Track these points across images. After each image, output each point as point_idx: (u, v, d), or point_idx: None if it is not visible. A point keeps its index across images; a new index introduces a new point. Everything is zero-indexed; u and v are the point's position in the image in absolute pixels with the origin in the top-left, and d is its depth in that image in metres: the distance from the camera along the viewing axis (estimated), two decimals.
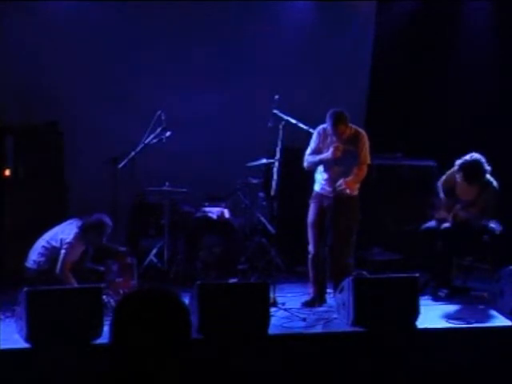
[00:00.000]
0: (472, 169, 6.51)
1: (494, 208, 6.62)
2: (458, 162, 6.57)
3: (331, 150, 6.21)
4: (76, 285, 6.12)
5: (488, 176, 6.61)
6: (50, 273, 6.24)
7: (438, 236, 6.69)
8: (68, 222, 6.54)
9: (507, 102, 8.32)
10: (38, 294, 5.23)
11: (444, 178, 6.83)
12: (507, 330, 5.76)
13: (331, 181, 6.32)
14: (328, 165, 6.31)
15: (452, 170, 6.72)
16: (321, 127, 6.37)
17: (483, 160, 6.53)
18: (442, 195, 6.81)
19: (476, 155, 6.54)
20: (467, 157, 6.55)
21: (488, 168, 6.55)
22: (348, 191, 6.26)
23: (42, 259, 6.33)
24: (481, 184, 6.60)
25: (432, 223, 6.82)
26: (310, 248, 6.42)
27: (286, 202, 6.85)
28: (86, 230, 6.36)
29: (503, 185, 6.90)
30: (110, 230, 6.46)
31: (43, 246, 6.37)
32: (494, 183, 6.63)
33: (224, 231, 7.60)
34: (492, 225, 6.64)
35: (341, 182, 6.20)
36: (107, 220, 6.45)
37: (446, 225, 6.69)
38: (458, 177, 6.59)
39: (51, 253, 6.32)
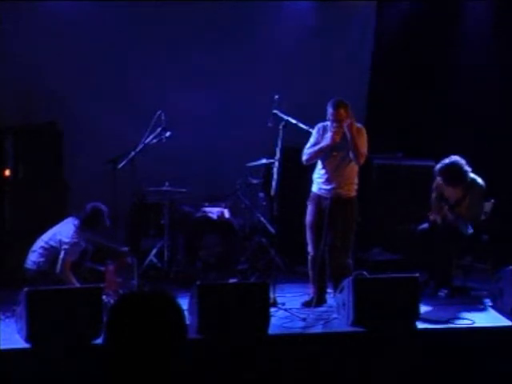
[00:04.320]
0: (450, 172, 6.55)
1: (479, 206, 6.63)
2: (437, 166, 6.62)
3: (330, 134, 6.22)
4: (77, 284, 6.13)
5: (472, 175, 6.62)
6: (50, 273, 6.24)
7: (435, 236, 6.69)
8: (65, 221, 6.54)
9: (508, 102, 8.32)
10: (38, 293, 5.23)
11: (434, 184, 6.85)
12: (507, 329, 5.76)
13: (329, 176, 6.31)
14: (326, 155, 6.30)
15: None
16: (320, 124, 6.38)
17: (462, 162, 6.54)
18: (433, 198, 6.85)
19: (454, 158, 6.57)
20: (446, 160, 6.58)
21: (468, 169, 6.56)
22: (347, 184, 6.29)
23: (42, 260, 6.34)
24: (465, 184, 6.62)
25: (425, 225, 6.82)
26: (310, 249, 6.42)
27: (286, 202, 6.85)
28: (86, 223, 6.38)
29: (503, 186, 6.92)
30: (107, 212, 6.48)
31: (42, 247, 6.37)
32: (478, 181, 6.64)
33: (224, 231, 7.61)
34: (464, 227, 6.63)
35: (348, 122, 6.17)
36: (98, 205, 6.48)
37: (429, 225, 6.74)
38: (439, 181, 6.66)
39: (50, 253, 6.33)
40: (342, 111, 6.17)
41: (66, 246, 6.27)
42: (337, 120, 6.18)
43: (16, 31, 7.85)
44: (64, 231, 6.38)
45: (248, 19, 8.52)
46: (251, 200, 7.82)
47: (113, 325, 2.09)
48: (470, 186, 6.62)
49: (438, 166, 6.62)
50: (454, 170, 6.54)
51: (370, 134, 6.40)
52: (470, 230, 6.58)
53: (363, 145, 6.28)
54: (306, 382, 5.19)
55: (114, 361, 2.06)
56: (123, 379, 2.04)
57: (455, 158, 6.57)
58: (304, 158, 6.37)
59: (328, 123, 6.29)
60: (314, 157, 6.35)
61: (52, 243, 6.35)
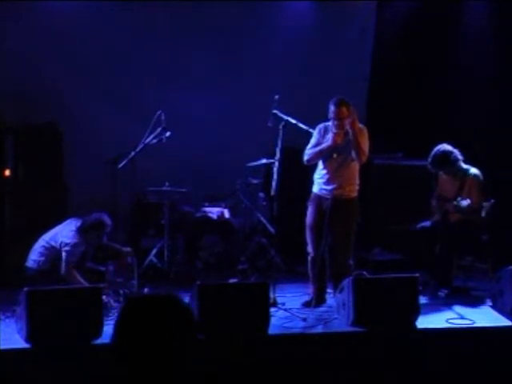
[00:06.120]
0: (439, 157, 6.68)
1: (478, 193, 6.64)
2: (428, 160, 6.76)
3: (331, 135, 6.22)
4: (85, 283, 6.11)
5: (465, 165, 6.71)
6: (51, 272, 6.25)
7: (436, 236, 6.70)
8: (67, 222, 6.53)
9: (508, 102, 8.32)
10: (38, 293, 5.23)
11: (436, 189, 6.91)
12: (507, 329, 5.76)
13: (330, 176, 6.31)
14: (327, 156, 6.30)
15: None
16: (322, 124, 6.38)
17: (447, 146, 6.70)
18: (434, 200, 6.89)
19: (439, 145, 6.73)
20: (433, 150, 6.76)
21: (458, 155, 6.67)
22: (347, 193, 6.29)
23: (42, 259, 6.34)
24: (459, 175, 6.69)
25: (426, 223, 6.84)
26: (310, 249, 6.41)
27: (286, 202, 6.85)
28: (85, 231, 6.36)
29: (503, 186, 6.91)
30: (109, 229, 6.46)
31: (43, 246, 6.37)
32: (472, 170, 6.69)
33: (224, 231, 7.61)
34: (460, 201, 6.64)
35: (350, 119, 6.17)
36: (107, 219, 6.45)
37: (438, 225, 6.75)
38: (431, 169, 6.76)
39: (51, 253, 6.33)
40: (343, 109, 6.17)
41: (67, 248, 6.27)
42: (338, 118, 6.18)
43: (16, 31, 7.85)
44: (65, 232, 6.37)
45: (248, 19, 8.51)
46: (251, 200, 7.82)
47: (124, 327, 2.09)
48: (464, 175, 6.67)
49: (429, 160, 6.75)
50: (441, 154, 6.67)
51: (369, 134, 6.39)
52: (467, 202, 6.55)
53: (365, 144, 6.28)
54: (306, 382, 5.19)
55: (124, 362, 2.06)
56: (132, 380, 2.04)
57: (438, 145, 6.75)
58: (305, 158, 6.37)
59: (329, 123, 6.29)
60: (315, 157, 6.35)
61: (52, 243, 6.35)
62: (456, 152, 6.70)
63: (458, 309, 6.23)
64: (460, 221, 6.66)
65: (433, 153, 6.73)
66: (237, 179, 7.69)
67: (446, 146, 6.72)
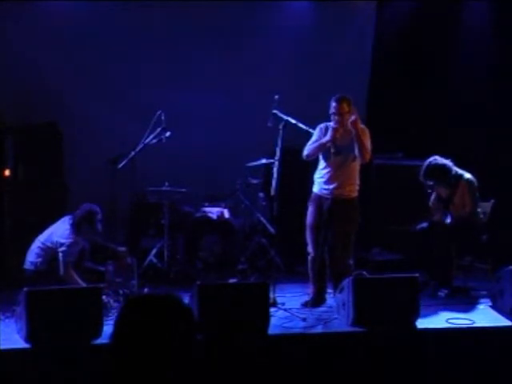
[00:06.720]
0: (430, 169, 6.69)
1: (471, 198, 6.65)
2: (420, 173, 6.77)
3: (330, 130, 6.22)
4: (83, 284, 6.11)
5: (459, 171, 6.71)
6: (49, 273, 6.24)
7: (435, 236, 6.71)
8: (61, 220, 6.53)
9: (507, 102, 8.32)
10: (38, 293, 5.23)
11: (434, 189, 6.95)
12: (507, 329, 5.76)
13: (330, 176, 6.30)
14: (327, 153, 6.30)
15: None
16: (323, 124, 6.38)
17: (438, 159, 6.69)
18: (432, 200, 6.91)
19: (430, 158, 6.73)
20: (424, 163, 6.76)
21: (449, 164, 6.67)
22: (347, 193, 6.29)
23: (39, 260, 6.34)
24: (451, 180, 6.69)
25: (424, 224, 6.85)
26: (310, 249, 6.41)
27: (286, 202, 6.85)
28: (77, 225, 6.36)
29: (503, 186, 6.91)
30: (100, 217, 6.45)
31: (39, 247, 6.37)
32: (466, 175, 6.70)
33: (224, 231, 7.61)
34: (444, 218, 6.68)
35: (353, 118, 6.17)
36: (94, 207, 6.46)
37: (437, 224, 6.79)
38: (423, 181, 6.77)
39: (47, 253, 6.32)
40: (344, 105, 6.18)
41: (63, 248, 6.26)
42: (339, 113, 6.19)
43: (16, 31, 7.86)
44: (59, 231, 6.37)
45: (248, 19, 8.51)
46: (251, 200, 7.82)
47: (123, 327, 2.09)
48: (457, 180, 6.67)
49: (421, 171, 6.76)
50: (433, 168, 6.68)
51: (370, 134, 6.39)
52: (449, 219, 6.59)
53: (368, 143, 6.28)
54: (306, 381, 5.19)
55: (123, 362, 2.05)
56: (132, 380, 2.04)
57: (431, 158, 6.73)
58: (305, 153, 6.37)
59: (330, 123, 6.29)
60: (315, 152, 6.34)
61: (48, 244, 6.35)
62: (448, 163, 6.69)
63: (458, 309, 6.23)
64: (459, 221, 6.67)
65: (424, 166, 6.73)
66: (237, 179, 7.69)
67: (438, 159, 6.70)
